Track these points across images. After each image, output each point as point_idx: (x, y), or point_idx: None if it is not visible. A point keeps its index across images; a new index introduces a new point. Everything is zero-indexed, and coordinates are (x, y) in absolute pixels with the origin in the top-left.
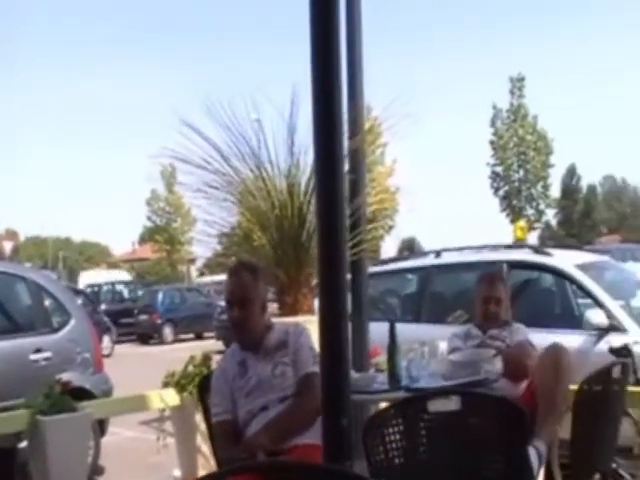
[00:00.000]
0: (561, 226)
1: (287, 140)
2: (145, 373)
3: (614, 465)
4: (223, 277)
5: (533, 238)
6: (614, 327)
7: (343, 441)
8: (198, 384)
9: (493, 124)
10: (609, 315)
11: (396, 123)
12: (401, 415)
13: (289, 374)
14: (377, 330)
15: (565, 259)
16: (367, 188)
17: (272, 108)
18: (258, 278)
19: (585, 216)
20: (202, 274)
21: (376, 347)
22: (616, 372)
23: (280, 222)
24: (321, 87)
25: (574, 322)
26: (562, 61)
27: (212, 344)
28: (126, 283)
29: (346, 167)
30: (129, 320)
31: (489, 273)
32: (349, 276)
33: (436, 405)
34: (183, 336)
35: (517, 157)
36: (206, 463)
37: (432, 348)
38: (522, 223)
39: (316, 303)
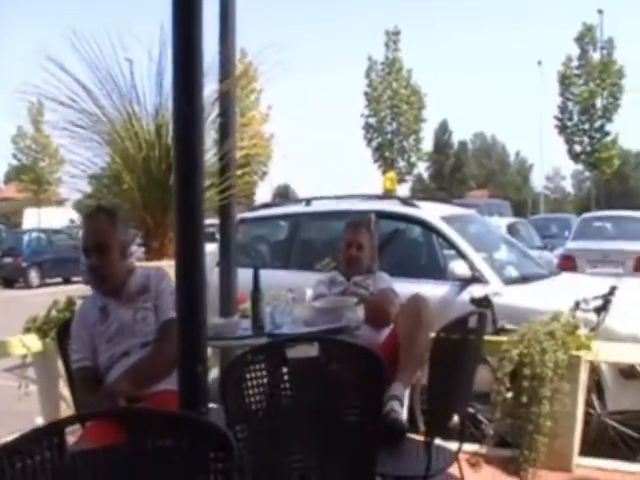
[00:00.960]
0: (432, 179)
1: (156, 81)
2: (8, 318)
3: (472, 410)
4: None
5: (404, 190)
6: (476, 278)
7: (198, 387)
8: (58, 330)
9: (368, 76)
10: (471, 267)
11: (270, 69)
12: (260, 361)
13: (151, 319)
14: (246, 276)
15: (431, 211)
16: (239, 133)
17: (142, 47)
18: (116, 222)
19: (455, 170)
20: (72, 221)
21: (243, 293)
22: (473, 321)
23: (147, 164)
24: (181, 24)
25: (439, 273)
26: (437, 16)
27: (79, 288)
28: None
29: (216, 110)
30: None
31: (355, 220)
32: (217, 221)
33: (296, 351)
34: (50, 280)
35: (390, 110)
36: (69, 410)
37: (299, 295)
38: (392, 174)
39: None
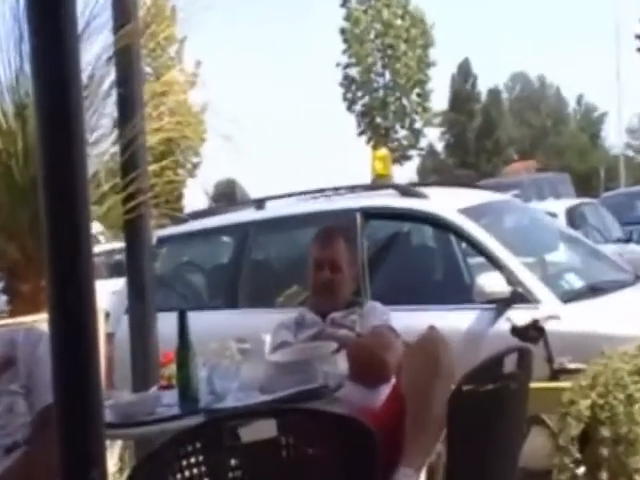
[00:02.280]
0: (450, 152)
1: (16, 39)
2: None
3: None
4: None
5: (407, 173)
6: (519, 297)
7: None
8: None
9: (345, 3)
10: (511, 280)
11: (195, 3)
12: (194, 452)
13: (20, 409)
14: (171, 325)
15: (446, 202)
16: (151, 107)
17: None
18: None
19: (485, 135)
20: None
21: (168, 352)
22: (511, 363)
23: (5, 167)
24: None
25: (461, 293)
26: None
27: None
28: None
29: (112, 76)
30: None
31: (325, 228)
32: (123, 244)
33: (249, 432)
34: None
35: (381, 53)
36: None
37: (254, 346)
38: (383, 152)
39: None
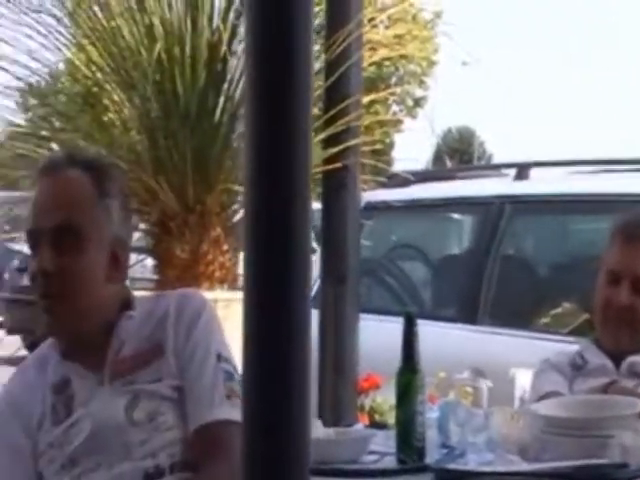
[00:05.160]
0: None
1: None
2: None
3: None
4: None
5: None
6: None
7: None
8: None
9: None
10: None
11: None
12: None
13: (169, 420)
14: (378, 334)
15: None
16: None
17: None
18: (107, 191)
19: None
20: None
21: (372, 374)
22: None
23: (169, 74)
24: None
25: None
26: None
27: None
28: None
29: None
30: None
31: (636, 223)
32: (317, 206)
33: None
34: None
35: None
36: None
37: (499, 383)
38: None
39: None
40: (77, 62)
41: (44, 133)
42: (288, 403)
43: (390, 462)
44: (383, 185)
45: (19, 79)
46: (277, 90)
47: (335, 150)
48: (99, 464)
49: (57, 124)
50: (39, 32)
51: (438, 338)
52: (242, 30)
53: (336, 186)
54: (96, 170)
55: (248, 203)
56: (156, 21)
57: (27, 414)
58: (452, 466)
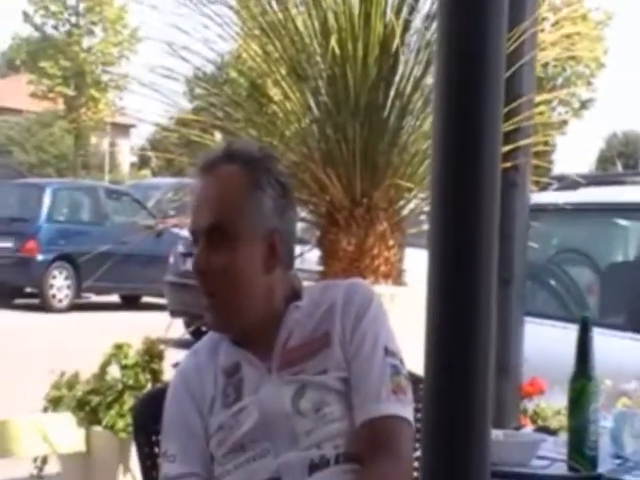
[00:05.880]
0: None
1: None
2: (3, 371)
3: None
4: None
5: None
6: None
7: None
8: (136, 411)
9: None
10: None
11: None
12: None
13: (333, 411)
14: (540, 338)
15: None
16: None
17: None
18: (262, 183)
19: None
20: (153, 171)
21: (537, 378)
22: None
23: (340, 67)
24: None
25: None
26: None
27: (159, 322)
28: None
29: None
30: None
31: None
32: None
33: None
34: (95, 297)
35: None
36: None
37: None
38: None
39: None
40: (244, 54)
41: (209, 121)
42: (469, 401)
43: (561, 469)
44: (546, 187)
45: (197, 69)
46: (468, 90)
47: (506, 149)
48: (267, 451)
49: (220, 113)
50: (215, 22)
51: (602, 345)
52: (415, 25)
53: (506, 185)
54: (250, 164)
55: (435, 195)
56: (330, 15)
57: (200, 396)
58: (627, 477)
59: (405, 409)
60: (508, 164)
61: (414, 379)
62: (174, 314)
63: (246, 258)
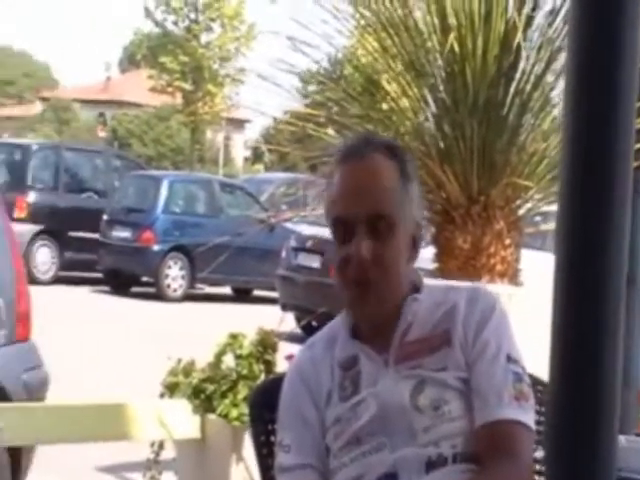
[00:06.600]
0: None
1: None
2: (121, 356)
3: None
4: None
5: None
6: None
7: None
8: (253, 400)
9: None
10: None
11: None
12: None
13: (455, 409)
14: None
15: None
16: None
17: None
18: (409, 175)
19: None
20: (266, 166)
21: None
22: None
23: (459, 64)
24: None
25: None
26: None
27: (270, 315)
28: (90, 152)
29: None
30: (85, 235)
31: None
32: None
33: None
34: (208, 289)
35: None
36: None
37: None
38: None
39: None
40: (360, 50)
41: (326, 115)
42: (596, 407)
43: None
44: None
45: (316, 62)
46: (602, 86)
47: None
48: (384, 445)
49: (336, 108)
50: (334, 17)
51: None
52: (537, 21)
53: (636, 184)
54: (397, 154)
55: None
56: (450, 12)
57: (316, 388)
58: None
59: (527, 415)
60: (637, 163)
61: (533, 381)
62: (285, 308)
63: (400, 247)
